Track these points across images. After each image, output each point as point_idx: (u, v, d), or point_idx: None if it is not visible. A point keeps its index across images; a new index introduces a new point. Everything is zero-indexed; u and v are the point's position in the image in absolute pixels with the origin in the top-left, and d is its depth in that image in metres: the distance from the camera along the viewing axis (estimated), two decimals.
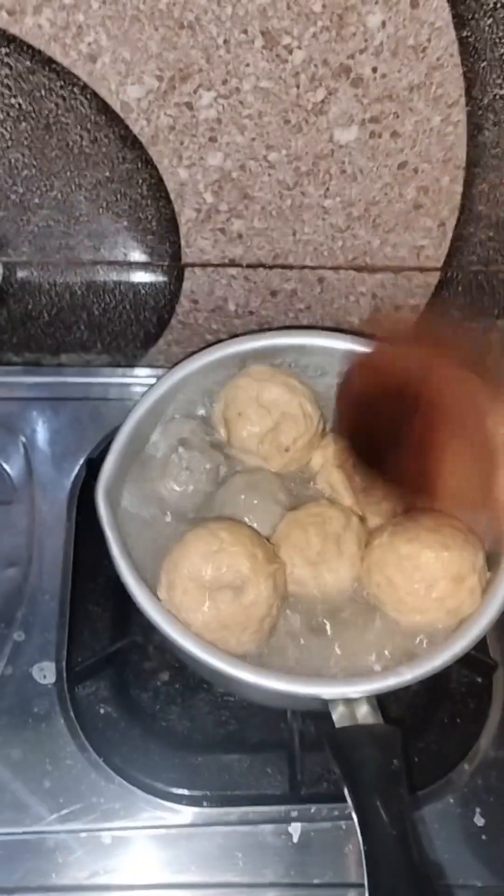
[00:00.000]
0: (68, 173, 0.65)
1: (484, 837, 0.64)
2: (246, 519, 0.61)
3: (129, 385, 0.85)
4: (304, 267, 0.75)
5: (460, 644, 0.55)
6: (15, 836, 0.61)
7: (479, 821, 0.65)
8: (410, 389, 0.52)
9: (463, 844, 0.64)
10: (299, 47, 0.56)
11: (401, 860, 0.46)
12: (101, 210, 0.69)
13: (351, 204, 0.68)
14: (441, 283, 0.78)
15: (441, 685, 0.68)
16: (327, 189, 0.67)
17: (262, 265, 0.75)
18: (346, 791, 0.50)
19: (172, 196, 0.67)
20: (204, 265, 0.74)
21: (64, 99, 0.59)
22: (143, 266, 0.75)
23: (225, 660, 0.53)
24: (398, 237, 0.72)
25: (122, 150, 0.63)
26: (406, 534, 0.59)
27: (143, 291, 0.78)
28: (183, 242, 0.72)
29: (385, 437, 0.53)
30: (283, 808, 0.64)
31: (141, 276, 0.76)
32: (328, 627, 0.59)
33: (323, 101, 0.60)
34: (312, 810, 0.64)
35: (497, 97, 0.60)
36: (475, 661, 0.67)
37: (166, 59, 0.57)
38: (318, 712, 0.57)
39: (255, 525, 0.61)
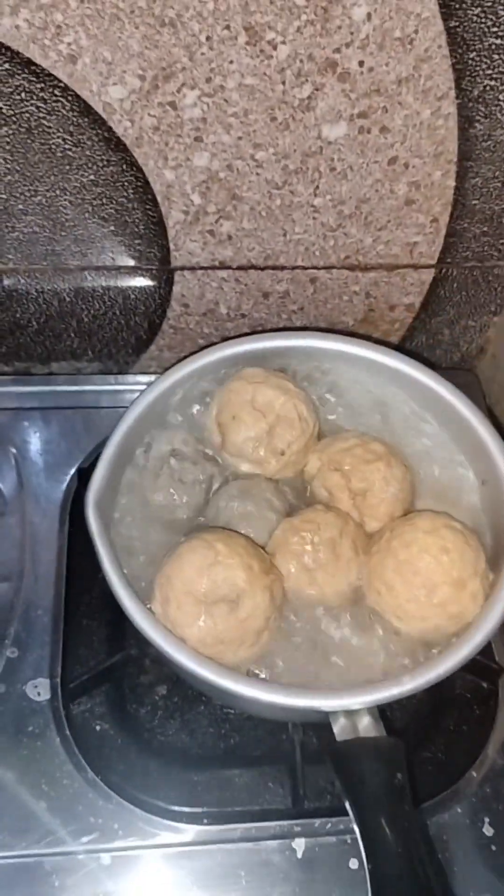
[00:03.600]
0: (52, 177, 0.64)
1: (493, 848, 0.63)
2: (241, 527, 0.60)
3: (121, 392, 0.84)
4: (295, 267, 0.74)
5: (463, 651, 0.54)
6: (11, 860, 0.60)
7: (489, 831, 0.63)
8: None
9: (472, 856, 0.62)
10: (284, 42, 0.55)
11: (408, 879, 0.45)
12: (86, 214, 0.68)
13: (341, 202, 0.68)
14: (436, 281, 0.77)
15: (446, 691, 0.67)
16: (317, 187, 0.66)
17: (253, 267, 0.74)
18: (348, 808, 0.48)
19: (159, 198, 0.66)
20: (194, 268, 0.74)
21: (45, 101, 0.58)
22: (131, 271, 0.74)
23: (221, 674, 0.52)
24: (391, 234, 0.71)
25: (106, 153, 0.62)
26: (403, 538, 0.58)
27: (132, 297, 0.77)
28: (171, 246, 0.71)
29: None
30: (286, 823, 0.62)
31: (130, 281, 0.75)
32: (328, 635, 0.58)
33: (310, 97, 0.59)
34: (316, 824, 0.62)
35: (487, 88, 0.60)
36: (480, 665, 0.66)
37: (148, 57, 0.56)
38: (320, 723, 0.55)
39: (250, 533, 0.60)
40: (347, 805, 0.48)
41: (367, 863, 0.46)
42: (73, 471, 0.76)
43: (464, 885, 0.61)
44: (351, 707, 0.52)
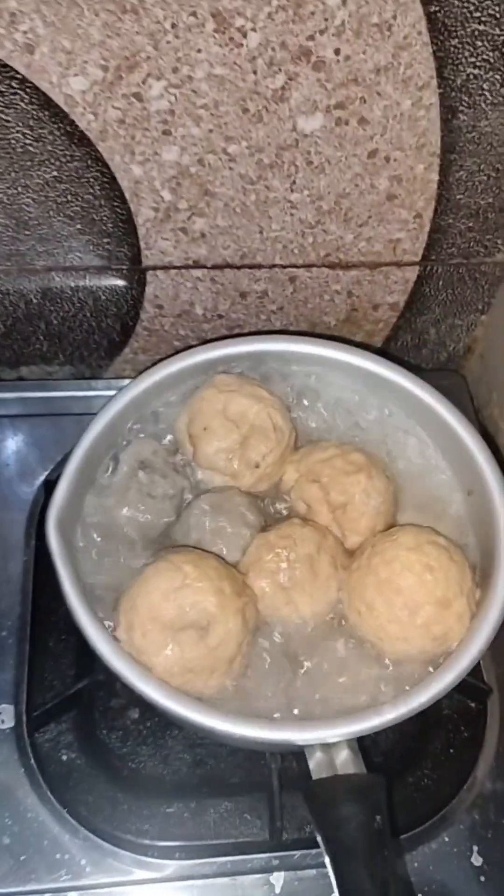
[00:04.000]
0: (13, 174, 0.62)
1: (482, 879, 0.60)
2: (213, 543, 0.57)
3: (94, 398, 0.81)
4: (273, 266, 0.72)
5: (449, 677, 0.51)
6: None
7: (477, 860, 0.61)
8: None
9: (460, 887, 0.60)
10: (254, 29, 0.54)
11: None
12: (51, 212, 0.66)
13: (320, 197, 0.66)
14: (420, 279, 0.76)
15: (432, 713, 0.64)
16: (293, 182, 0.64)
17: (229, 265, 0.72)
18: (324, 855, 0.45)
19: (127, 195, 0.64)
20: (166, 268, 0.71)
21: (2, 94, 0.56)
22: (101, 271, 0.71)
23: (189, 706, 0.49)
24: (372, 231, 0.70)
25: (70, 148, 0.60)
26: (384, 554, 0.55)
27: (103, 298, 0.74)
28: (142, 244, 0.69)
29: None
30: (263, 856, 0.59)
31: (100, 282, 0.73)
32: (304, 659, 0.55)
33: (283, 88, 0.57)
34: (296, 857, 0.59)
35: (471, 77, 0.58)
36: (468, 686, 0.63)
37: (110, 46, 0.54)
38: (300, 751, 0.52)
39: (223, 550, 0.57)
40: (323, 851, 0.45)
41: None
42: (40, 482, 0.73)
43: None
44: (328, 740, 0.49)
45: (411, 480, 0.63)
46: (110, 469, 0.60)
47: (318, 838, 0.46)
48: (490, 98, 0.59)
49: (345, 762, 0.49)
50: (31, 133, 0.58)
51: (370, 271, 0.73)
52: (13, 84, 0.55)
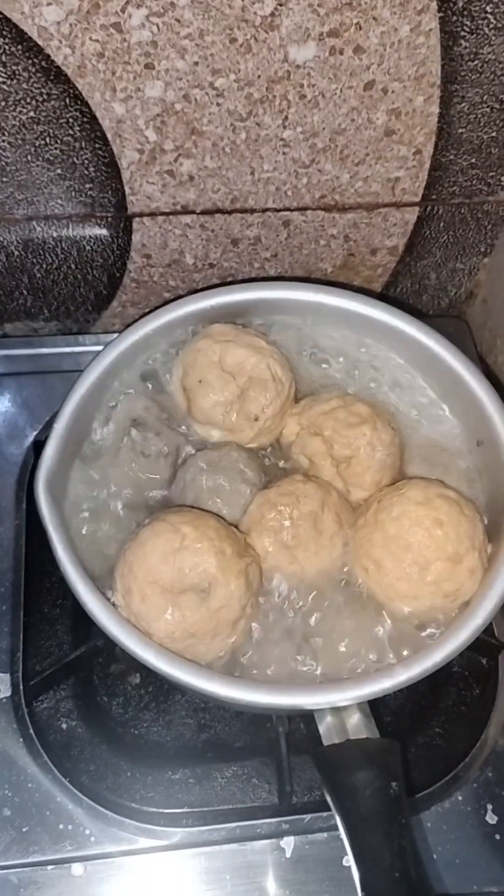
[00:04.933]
0: None
1: (497, 837, 0.59)
2: (211, 503, 0.54)
3: (82, 354, 0.78)
4: (266, 210, 0.70)
5: (462, 636, 0.49)
6: None
7: (492, 818, 0.60)
8: None
9: (475, 846, 0.59)
10: None
11: None
12: (29, 157, 0.63)
13: (314, 134, 0.63)
14: (420, 220, 0.73)
15: (443, 670, 0.61)
16: (286, 118, 0.62)
17: (220, 210, 0.69)
18: (338, 823, 0.43)
19: (109, 136, 0.61)
20: (153, 214, 0.69)
21: None
22: (84, 219, 0.69)
23: (193, 673, 0.47)
24: (370, 169, 0.67)
25: (46, 85, 0.58)
26: (392, 510, 0.52)
27: (88, 248, 0.72)
28: (127, 190, 0.66)
29: None
30: (273, 821, 0.58)
31: (84, 231, 0.70)
32: (311, 619, 0.53)
33: (273, 14, 0.54)
34: (306, 820, 0.58)
35: None
36: (479, 642, 0.60)
37: None
38: (308, 713, 0.50)
39: (222, 509, 0.54)
40: (338, 820, 0.43)
41: (360, 889, 0.41)
42: (29, 443, 0.70)
43: (466, 878, 0.57)
44: (338, 704, 0.47)
45: (418, 432, 0.60)
46: (101, 428, 0.57)
47: (332, 807, 0.44)
48: (494, 22, 0.56)
49: (357, 726, 0.47)
50: (4, 70, 0.56)
51: (368, 213, 0.71)
52: None
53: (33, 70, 0.55)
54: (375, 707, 0.50)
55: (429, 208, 0.71)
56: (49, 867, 0.56)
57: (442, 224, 0.73)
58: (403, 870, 0.41)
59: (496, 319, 0.79)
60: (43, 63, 0.55)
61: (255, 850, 0.57)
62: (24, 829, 0.57)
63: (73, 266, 0.73)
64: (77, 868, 0.56)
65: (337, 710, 0.48)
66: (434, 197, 0.70)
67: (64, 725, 0.59)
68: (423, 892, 0.41)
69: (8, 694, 0.61)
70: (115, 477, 0.56)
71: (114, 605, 0.50)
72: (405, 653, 0.51)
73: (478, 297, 0.82)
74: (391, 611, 0.53)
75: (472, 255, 0.78)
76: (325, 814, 0.58)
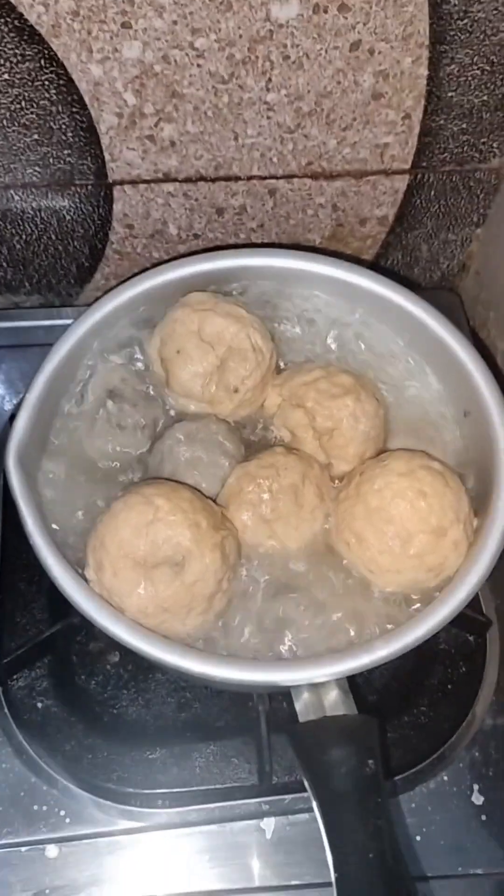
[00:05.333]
0: None
1: (483, 818, 0.58)
2: (189, 476, 0.53)
3: (63, 328, 0.74)
4: (251, 178, 0.68)
5: (444, 611, 0.47)
6: None
7: (477, 799, 0.59)
8: None
9: (460, 827, 0.57)
10: None
11: (381, 889, 0.39)
12: (4, 122, 0.61)
13: (299, 97, 0.61)
14: (410, 188, 0.71)
15: (429, 647, 0.61)
16: (269, 80, 0.60)
17: (203, 178, 0.67)
18: (313, 803, 0.42)
19: (87, 99, 0.60)
20: (134, 182, 0.67)
21: None
22: (63, 187, 0.67)
23: (165, 648, 0.45)
24: (357, 135, 0.65)
25: (20, 46, 0.56)
26: (374, 482, 0.51)
27: (68, 218, 0.70)
28: (107, 156, 0.64)
29: None
30: (253, 801, 0.57)
31: (63, 201, 0.68)
32: (290, 594, 0.51)
33: None
34: (287, 801, 0.57)
35: None
36: (466, 618, 0.60)
37: None
38: (288, 692, 0.49)
39: (200, 482, 0.53)
40: (312, 799, 0.42)
41: (333, 871, 0.39)
42: (6, 417, 0.68)
43: (451, 859, 0.56)
44: (315, 680, 0.46)
45: (403, 403, 0.59)
46: (76, 399, 0.55)
47: (307, 785, 0.43)
48: None
49: (334, 703, 0.46)
50: None
51: (356, 181, 0.69)
52: None
53: (6, 30, 0.54)
54: (359, 686, 0.49)
55: (419, 176, 0.69)
56: (23, 848, 0.55)
57: (433, 193, 0.71)
58: (379, 851, 0.39)
59: (489, 292, 0.77)
60: (16, 22, 0.53)
61: (236, 832, 0.56)
62: None
63: (53, 237, 0.71)
64: (52, 850, 0.55)
65: (314, 687, 0.47)
66: (424, 164, 0.68)
67: (39, 704, 0.58)
68: (398, 875, 0.39)
69: None
70: (91, 449, 0.54)
71: (86, 580, 0.48)
72: (385, 628, 0.49)
73: (470, 269, 0.80)
74: (372, 585, 0.51)
75: (465, 225, 0.76)
76: (305, 794, 0.55)
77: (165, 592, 0.47)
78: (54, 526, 0.51)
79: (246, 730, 0.58)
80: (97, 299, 0.58)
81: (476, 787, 0.59)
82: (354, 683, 0.49)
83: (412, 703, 0.60)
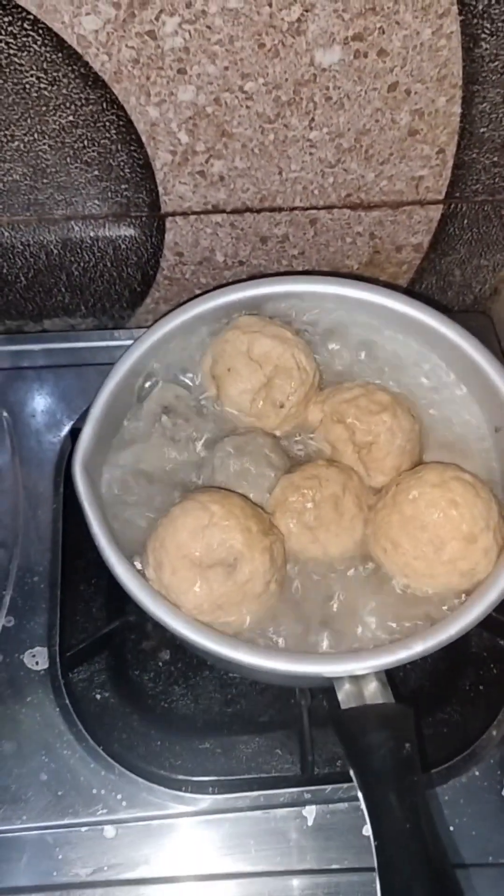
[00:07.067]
0: (29, 120, 0.61)
1: None
2: (238, 485, 0.57)
3: (116, 348, 0.80)
4: (293, 209, 0.71)
5: (476, 611, 0.51)
6: (12, 833, 0.58)
7: None
8: None
9: (490, 819, 0.60)
10: None
11: (417, 856, 0.42)
12: (68, 159, 0.65)
13: (339, 134, 0.64)
14: (444, 218, 0.74)
15: (461, 650, 0.64)
16: (312, 119, 0.63)
17: (249, 209, 0.71)
18: (354, 781, 0.46)
19: (144, 138, 0.63)
20: (185, 213, 0.71)
21: (14, 37, 0.55)
22: (120, 218, 0.71)
23: (219, 641, 0.49)
24: (394, 168, 0.68)
25: (84, 91, 0.60)
26: (409, 492, 0.55)
27: (123, 246, 0.74)
28: (161, 190, 0.68)
29: None
30: (295, 790, 0.60)
31: (119, 230, 0.72)
32: (333, 595, 0.55)
33: (299, 20, 0.55)
34: (327, 791, 0.60)
35: (493, 2, 0.56)
36: (496, 622, 0.63)
37: None
38: (328, 686, 0.53)
39: (249, 491, 0.57)
40: (354, 778, 0.46)
41: (373, 839, 0.43)
42: (66, 431, 0.73)
43: (482, 850, 0.59)
44: (356, 672, 0.49)
45: (438, 420, 0.62)
46: (134, 413, 0.60)
47: (348, 763, 0.47)
48: None
49: (373, 693, 0.49)
50: (46, 77, 0.58)
51: (392, 211, 0.72)
52: (25, 25, 0.54)
53: (73, 76, 0.58)
54: (396, 686, 0.53)
55: (452, 206, 0.72)
56: (83, 828, 0.58)
57: (466, 221, 0.74)
58: (414, 822, 0.43)
59: None
60: (82, 69, 0.57)
61: (278, 818, 0.59)
62: (59, 793, 0.59)
63: (108, 264, 0.75)
64: (109, 830, 0.58)
65: (355, 678, 0.50)
66: (457, 195, 0.71)
67: (98, 696, 0.62)
68: (430, 842, 0.43)
69: (46, 666, 0.63)
70: (147, 460, 0.58)
71: (145, 578, 0.52)
72: (421, 627, 0.53)
73: (501, 293, 0.83)
74: (410, 588, 0.55)
75: (497, 251, 0.79)
76: (346, 785, 0.60)
77: (219, 590, 0.51)
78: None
79: (289, 724, 0.62)
80: (155, 321, 0.62)
81: None
82: (392, 682, 0.52)
83: (445, 702, 0.63)
